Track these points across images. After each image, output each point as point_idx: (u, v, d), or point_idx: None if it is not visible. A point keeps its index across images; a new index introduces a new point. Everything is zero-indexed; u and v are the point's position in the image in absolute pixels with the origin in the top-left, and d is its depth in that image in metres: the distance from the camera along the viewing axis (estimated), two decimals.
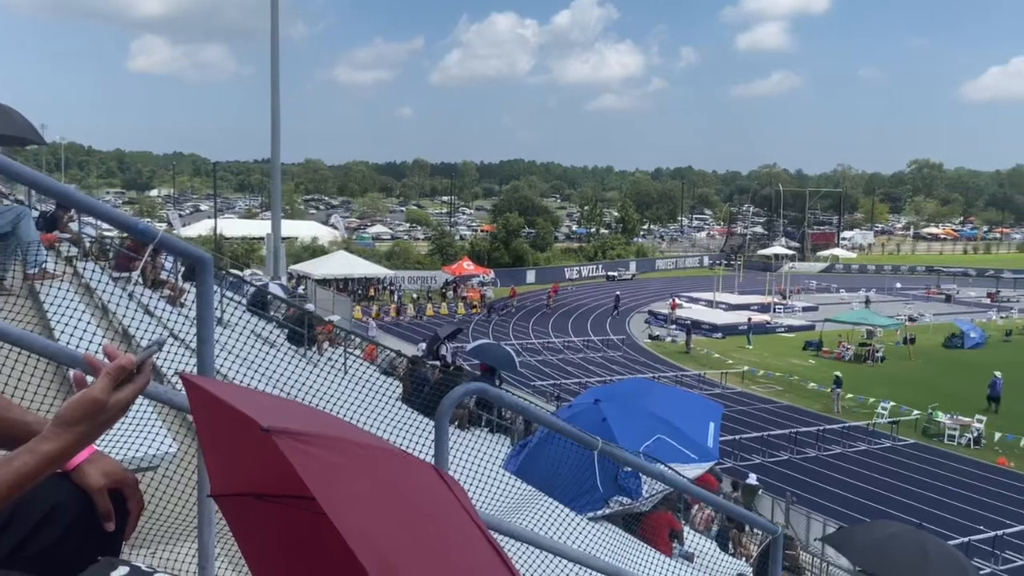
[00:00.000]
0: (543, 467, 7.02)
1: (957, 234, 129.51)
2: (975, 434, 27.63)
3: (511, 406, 3.47)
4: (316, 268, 49.31)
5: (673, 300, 51.55)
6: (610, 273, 72.09)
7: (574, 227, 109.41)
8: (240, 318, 8.26)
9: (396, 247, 70.87)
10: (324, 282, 46.16)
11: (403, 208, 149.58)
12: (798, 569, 8.20)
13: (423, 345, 26.42)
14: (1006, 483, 24.10)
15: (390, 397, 10.35)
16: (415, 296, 55.11)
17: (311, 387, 7.54)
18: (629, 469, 6.97)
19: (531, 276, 67.74)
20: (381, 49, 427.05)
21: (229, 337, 6.88)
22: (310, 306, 20.94)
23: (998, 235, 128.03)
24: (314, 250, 61.12)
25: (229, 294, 11.74)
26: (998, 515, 21.00)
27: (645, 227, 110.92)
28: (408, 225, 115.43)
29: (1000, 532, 19.22)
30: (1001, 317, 53.39)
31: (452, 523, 1.64)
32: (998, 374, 32.20)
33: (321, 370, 9.56)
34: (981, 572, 18.00)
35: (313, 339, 13.56)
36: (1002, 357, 39.55)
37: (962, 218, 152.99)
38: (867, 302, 55.41)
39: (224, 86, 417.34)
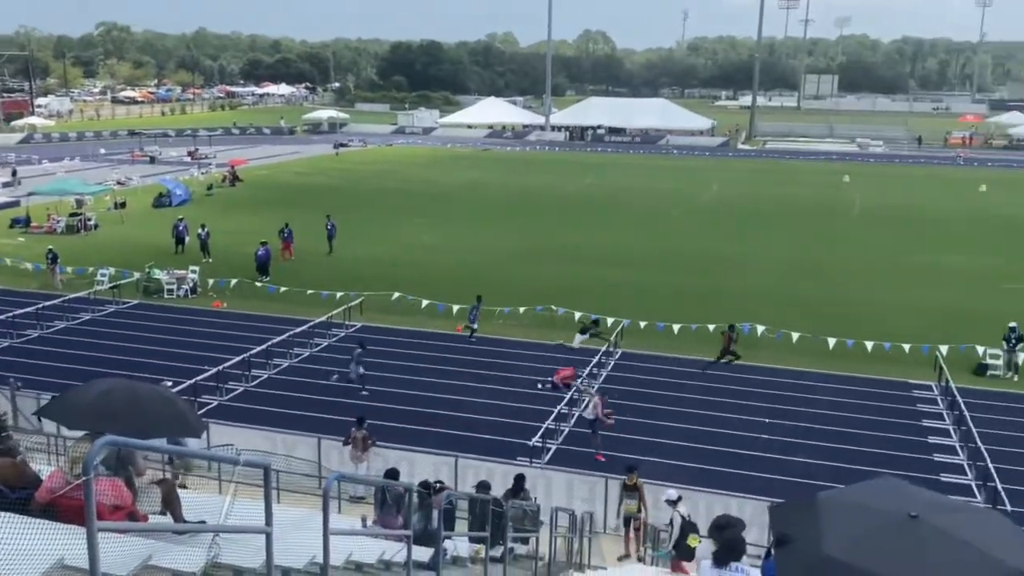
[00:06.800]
0: None
1: (153, 96, 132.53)
2: (191, 284, 29.70)
3: None
4: None
5: None
6: None
7: None
8: None
9: None
10: None
11: None
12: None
13: None
14: (224, 323, 26.73)
15: None
16: None
17: None
18: None
19: None
20: None
21: None
22: None
23: (191, 96, 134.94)
24: None
25: None
26: (220, 353, 23.14)
27: None
28: None
29: (222, 367, 21.34)
30: (202, 173, 57.15)
31: None
32: (181, 217, 36.82)
33: None
34: (209, 407, 19.88)
35: None
36: (206, 211, 42.64)
37: (156, 81, 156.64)
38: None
39: None
